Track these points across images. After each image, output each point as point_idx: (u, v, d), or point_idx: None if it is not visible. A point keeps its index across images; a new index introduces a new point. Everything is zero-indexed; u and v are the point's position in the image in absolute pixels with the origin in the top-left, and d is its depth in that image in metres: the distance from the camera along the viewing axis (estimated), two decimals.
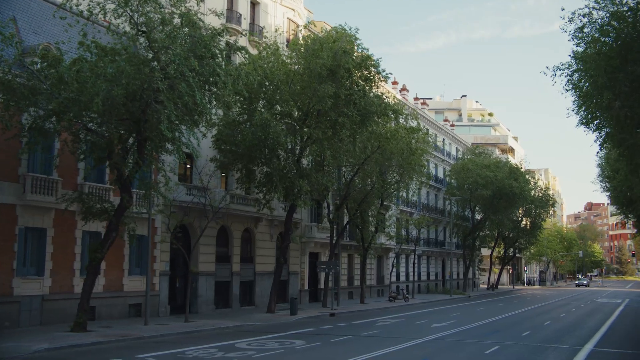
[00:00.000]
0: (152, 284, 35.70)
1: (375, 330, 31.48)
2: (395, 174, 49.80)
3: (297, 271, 50.01)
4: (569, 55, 26.20)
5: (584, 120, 29.73)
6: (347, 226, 54.98)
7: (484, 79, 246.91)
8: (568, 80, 26.64)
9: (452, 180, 77.10)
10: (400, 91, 73.73)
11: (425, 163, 56.46)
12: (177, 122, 24.25)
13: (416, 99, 79.63)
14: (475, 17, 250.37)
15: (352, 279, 59.04)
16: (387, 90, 48.76)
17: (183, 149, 26.92)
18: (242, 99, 35.25)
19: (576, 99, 28.08)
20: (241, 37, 40.74)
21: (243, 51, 31.06)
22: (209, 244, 40.02)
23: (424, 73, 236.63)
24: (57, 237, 30.15)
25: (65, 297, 30.04)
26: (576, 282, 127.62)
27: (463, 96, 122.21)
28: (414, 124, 49.42)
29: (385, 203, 61.31)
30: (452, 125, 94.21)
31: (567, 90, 27.21)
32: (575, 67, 26.32)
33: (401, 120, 46.76)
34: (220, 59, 26.48)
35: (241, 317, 35.97)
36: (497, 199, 72.86)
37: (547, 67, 30.41)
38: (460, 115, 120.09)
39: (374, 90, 39.41)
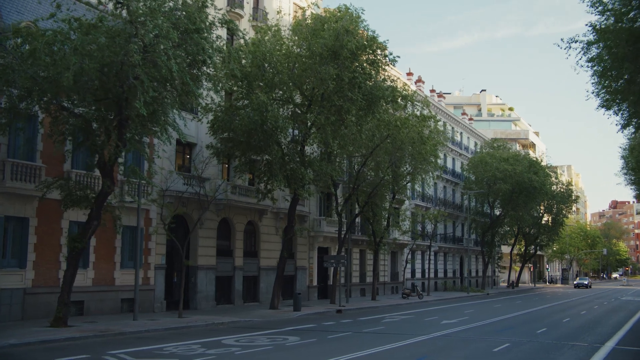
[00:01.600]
0: (147, 277, 34.02)
1: (379, 327, 29.46)
2: (407, 166, 47.55)
3: (305, 266, 48.04)
4: (586, 25, 23.90)
5: (604, 103, 27.55)
6: (359, 220, 53.11)
7: (506, 77, 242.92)
8: (584, 53, 24.34)
9: (470, 175, 74.68)
10: (415, 82, 71.46)
11: (439, 154, 54.12)
12: (155, 99, 22.29)
13: (432, 90, 77.19)
14: (498, 16, 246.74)
15: (364, 275, 56.95)
16: (397, 77, 46.50)
17: (170, 131, 25.10)
18: (239, 82, 33.45)
19: (593, 75, 25.74)
20: (242, 20, 38.86)
21: (240, 32, 29.10)
22: (209, 237, 38.20)
23: (446, 72, 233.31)
24: (40, 227, 28.46)
25: (49, 290, 28.27)
26: (575, 282, 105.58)
27: (482, 90, 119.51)
28: (426, 113, 47.19)
29: (398, 197, 59.32)
30: (470, 119, 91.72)
31: (582, 66, 24.91)
32: (592, 38, 24.04)
33: (412, 109, 44.66)
34: (207, 34, 24.50)
35: (241, 314, 34.09)
36: (516, 193, 70.35)
37: (561, 40, 27.87)
38: (479, 110, 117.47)
39: (382, 75, 37.30)
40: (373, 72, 35.86)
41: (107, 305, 31.64)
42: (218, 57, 26.09)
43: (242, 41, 31.02)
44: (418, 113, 45.32)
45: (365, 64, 34.95)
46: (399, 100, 37.69)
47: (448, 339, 24.56)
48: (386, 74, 38.08)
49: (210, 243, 38.36)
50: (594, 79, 26.28)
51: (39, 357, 18.44)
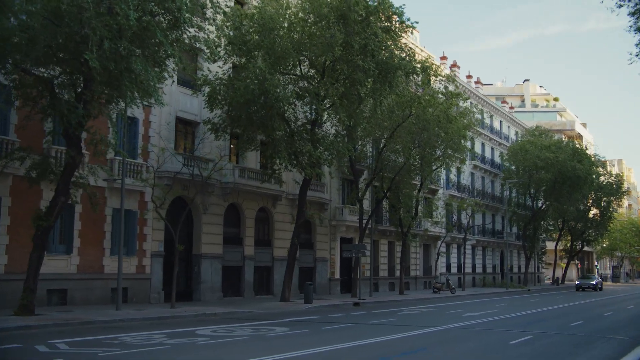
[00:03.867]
0: (142, 266, 31.31)
1: (391, 318, 26.19)
2: (435, 149, 43.75)
3: (325, 257, 44.85)
4: None
5: None
6: (386, 209, 49.78)
7: (553, 73, 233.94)
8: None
9: (509, 164, 70.45)
10: (450, 67, 67.61)
11: (474, 140, 50.39)
12: (115, 54, 19.34)
13: (469, 76, 73.18)
14: (548, 12, 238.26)
15: (393, 268, 53.47)
16: (420, 49, 42.71)
17: (137, 96, 22.11)
18: (239, 50, 30.49)
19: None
20: None
21: None
22: (214, 223, 35.32)
23: (492, 70, 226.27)
24: (15, 207, 25.84)
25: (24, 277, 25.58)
26: (577, 282, 71.56)
27: (526, 80, 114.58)
28: (452, 89, 43.50)
29: (431, 186, 55.81)
30: (511, 108, 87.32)
31: (621, 6, 21.13)
32: None
33: (438, 87, 41.13)
34: None
35: (245, 306, 31.08)
36: (559, 183, 65.76)
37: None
38: (522, 100, 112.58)
39: (400, 45, 33.90)
40: (389, 41, 32.45)
41: (95, 294, 28.93)
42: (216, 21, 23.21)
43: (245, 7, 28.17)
44: (444, 90, 41.72)
45: (379, 31, 31.52)
46: (419, 71, 34.13)
47: (462, 331, 21.23)
48: (409, 47, 34.50)
49: (216, 230, 35.46)
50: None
51: None
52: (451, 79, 44.15)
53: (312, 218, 38.66)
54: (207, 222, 34.89)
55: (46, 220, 22.36)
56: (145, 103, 24.25)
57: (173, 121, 32.95)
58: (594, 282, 68.34)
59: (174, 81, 31.15)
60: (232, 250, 36.82)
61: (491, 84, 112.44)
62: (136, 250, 30.94)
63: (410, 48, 35.20)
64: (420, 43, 61.85)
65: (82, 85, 21.60)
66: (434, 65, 37.70)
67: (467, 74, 73.62)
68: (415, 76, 36.04)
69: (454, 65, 68.76)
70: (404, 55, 32.93)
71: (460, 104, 44.18)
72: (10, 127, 25.77)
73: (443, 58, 66.40)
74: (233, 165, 36.00)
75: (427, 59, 38.00)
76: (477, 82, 75.88)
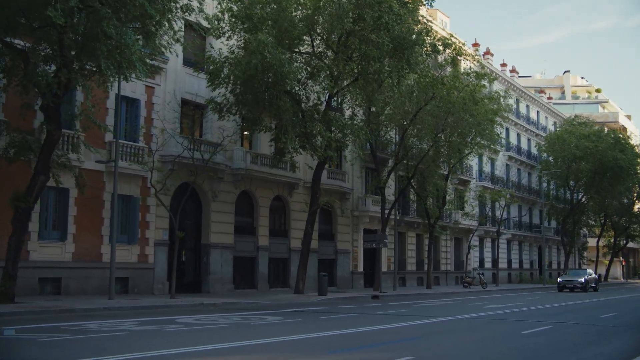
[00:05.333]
0: (144, 255, 29.66)
1: (404, 310, 24.09)
2: (464, 135, 41.15)
3: (347, 249, 42.79)
4: None
5: None
6: (413, 201, 47.58)
7: (597, 66, 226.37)
8: None
9: (546, 155, 67.39)
10: (483, 55, 64.86)
11: (501, 124, 47.80)
12: (90, 15, 17.62)
13: (503, 65, 70.26)
14: (593, 7, 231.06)
15: (421, 262, 51.12)
16: (450, 34, 40.24)
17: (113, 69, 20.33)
18: (242, 24, 28.66)
19: None
20: None
21: None
22: (224, 212, 33.55)
23: (532, 67, 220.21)
24: (2, 191, 24.40)
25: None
26: (559, 279, 51.60)
27: (566, 72, 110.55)
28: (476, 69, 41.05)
29: (462, 177, 53.39)
30: (549, 98, 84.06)
31: None
32: None
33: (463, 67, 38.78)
34: None
35: (254, 297, 29.24)
36: (599, 174, 62.47)
37: None
38: (563, 92, 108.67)
39: (419, 20, 31.73)
40: (407, 15, 30.24)
41: (93, 284, 27.31)
42: None
43: None
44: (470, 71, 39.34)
45: (393, 3, 29.30)
46: (440, 49, 31.89)
47: (475, 320, 19.12)
48: (428, 23, 32.31)
49: (226, 219, 33.70)
50: None
51: None
52: (473, 58, 41.33)
53: (327, 205, 36.41)
54: (217, 210, 33.15)
55: (25, 201, 20.82)
56: (132, 77, 22.51)
57: (178, 103, 31.23)
58: (582, 280, 46.77)
59: (177, 56, 29.60)
60: (245, 240, 35.02)
61: (530, 76, 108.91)
62: (138, 238, 29.29)
63: (429, 23, 32.96)
64: (450, 30, 59.34)
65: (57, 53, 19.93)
66: (456, 44, 35.36)
67: (502, 62, 70.75)
68: (437, 55, 33.85)
69: (487, 52, 66.10)
70: (422, 31, 30.72)
71: (489, 86, 41.54)
72: None
73: (475, 45, 63.66)
74: (245, 150, 34.23)
75: (450, 36, 35.66)
76: (513, 70, 72.90)
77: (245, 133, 35.51)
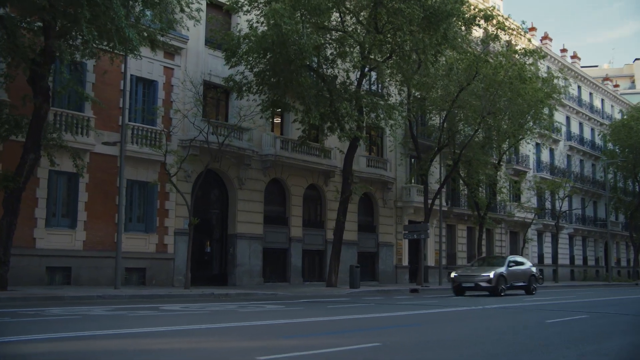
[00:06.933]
0: (164, 244, 28.16)
1: (432, 301, 21.88)
2: (513, 118, 38.27)
3: (390, 242, 40.49)
4: None
5: None
6: (463, 192, 44.91)
7: None
8: None
9: (611, 144, 63.38)
10: (541, 40, 61.50)
11: (555, 107, 44.56)
12: None
13: (563, 50, 66.54)
14: None
15: (472, 257, 48.19)
16: (504, 17, 37.15)
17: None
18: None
19: None
20: None
21: None
22: (253, 200, 31.82)
23: (601, 58, 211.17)
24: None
25: (20, 252, 22.93)
26: (452, 274, 30.52)
27: (637, 59, 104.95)
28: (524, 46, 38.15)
29: (517, 167, 50.42)
30: (615, 86, 79.54)
31: None
32: None
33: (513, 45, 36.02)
34: None
35: (276, 289, 27.39)
36: None
37: None
38: (633, 81, 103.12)
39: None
40: None
41: (106, 274, 25.85)
42: None
43: None
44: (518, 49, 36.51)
45: None
46: (479, 21, 29.42)
47: (499, 310, 16.85)
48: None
49: (255, 208, 31.97)
50: None
51: None
52: (519, 33, 38.12)
53: (359, 193, 33.87)
54: (244, 199, 31.47)
55: (13, 181, 19.50)
56: (149, 58, 21.02)
57: (199, 84, 29.58)
58: (486, 276, 26.94)
59: (198, 36, 28.17)
60: (276, 230, 33.23)
61: (596, 66, 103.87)
62: (156, 227, 27.82)
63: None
64: (504, 12, 56.29)
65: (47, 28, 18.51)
66: (498, 16, 32.74)
67: (562, 47, 67.05)
68: (477, 28, 31.36)
69: (545, 37, 62.55)
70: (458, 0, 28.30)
71: (542, 67, 38.60)
72: None
73: (532, 29, 60.31)
74: (274, 135, 32.47)
75: (492, 8, 33.06)
76: (574, 56, 69.07)
77: (276, 120, 33.77)
